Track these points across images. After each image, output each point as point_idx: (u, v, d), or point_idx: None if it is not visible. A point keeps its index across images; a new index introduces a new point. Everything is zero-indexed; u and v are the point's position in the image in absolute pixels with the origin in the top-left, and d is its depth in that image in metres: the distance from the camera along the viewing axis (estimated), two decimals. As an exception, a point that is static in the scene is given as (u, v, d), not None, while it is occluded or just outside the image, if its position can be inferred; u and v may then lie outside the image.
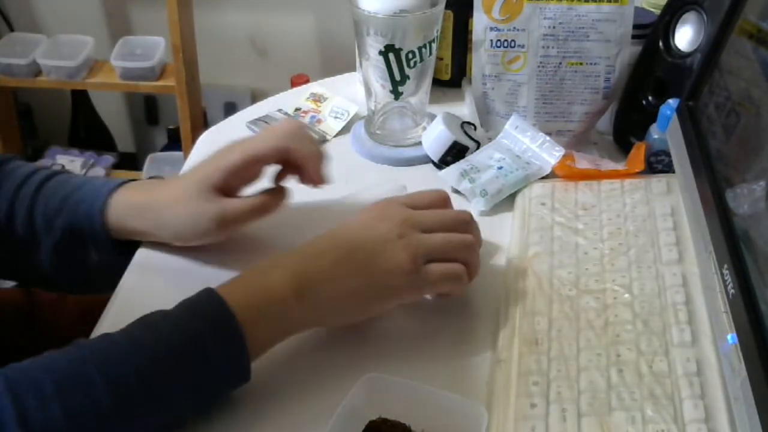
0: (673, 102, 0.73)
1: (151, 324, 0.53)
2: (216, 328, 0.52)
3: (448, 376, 0.59)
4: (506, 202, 0.75)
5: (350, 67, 0.98)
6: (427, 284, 0.59)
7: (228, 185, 0.65)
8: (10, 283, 0.88)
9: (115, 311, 0.66)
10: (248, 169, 0.65)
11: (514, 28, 0.79)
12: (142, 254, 0.71)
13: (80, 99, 2.00)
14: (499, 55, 0.81)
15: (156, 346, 0.51)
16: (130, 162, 2.09)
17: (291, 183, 0.69)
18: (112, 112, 2.10)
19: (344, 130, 0.88)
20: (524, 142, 0.79)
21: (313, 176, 0.66)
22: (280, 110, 0.92)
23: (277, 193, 0.67)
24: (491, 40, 0.80)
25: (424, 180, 0.80)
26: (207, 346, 0.52)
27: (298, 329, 0.58)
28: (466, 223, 0.63)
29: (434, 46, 0.79)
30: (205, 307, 0.53)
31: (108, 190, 0.66)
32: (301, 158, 0.65)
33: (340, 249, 0.58)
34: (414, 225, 0.59)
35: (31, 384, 0.47)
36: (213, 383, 0.53)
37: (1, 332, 0.79)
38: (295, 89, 1.00)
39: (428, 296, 0.64)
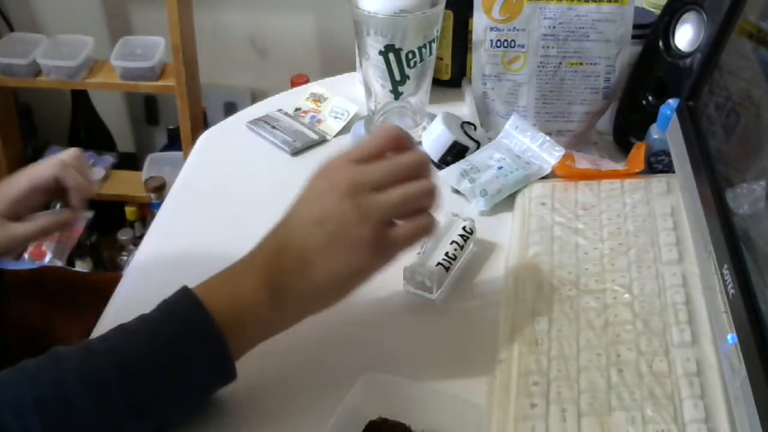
0: (673, 102, 0.73)
1: (128, 330, 0.52)
2: (193, 330, 0.52)
3: (448, 376, 0.59)
4: (506, 202, 0.75)
5: (350, 67, 0.98)
6: (396, 249, 0.56)
7: (15, 212, 0.70)
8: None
9: (114, 310, 0.66)
10: (30, 198, 0.70)
11: (514, 28, 0.79)
12: (140, 256, 0.71)
13: (80, 99, 2.00)
14: (499, 55, 0.81)
15: (135, 353, 0.50)
16: (130, 162, 2.08)
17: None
18: (112, 112, 2.10)
19: (344, 130, 0.88)
20: (524, 142, 0.79)
21: (74, 204, 0.71)
22: (280, 110, 0.92)
23: (63, 216, 0.72)
24: (491, 40, 0.80)
25: (424, 180, 0.80)
26: (185, 348, 0.51)
27: (280, 329, 0.56)
28: (420, 166, 0.57)
29: (434, 46, 0.79)
30: (182, 308, 0.52)
31: None
32: (67, 188, 0.71)
33: (300, 241, 0.55)
34: (365, 187, 0.54)
35: (8, 397, 0.47)
36: (196, 385, 0.52)
37: None
38: (295, 89, 1.00)
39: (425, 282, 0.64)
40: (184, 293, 0.53)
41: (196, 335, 0.51)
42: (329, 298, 0.57)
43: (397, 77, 0.79)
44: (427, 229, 0.57)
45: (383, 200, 0.55)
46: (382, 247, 0.55)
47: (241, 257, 0.56)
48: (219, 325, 0.51)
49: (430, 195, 0.57)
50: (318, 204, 0.55)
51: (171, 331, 0.51)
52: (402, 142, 0.58)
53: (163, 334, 0.51)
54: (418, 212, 0.57)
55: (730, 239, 0.55)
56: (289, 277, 0.55)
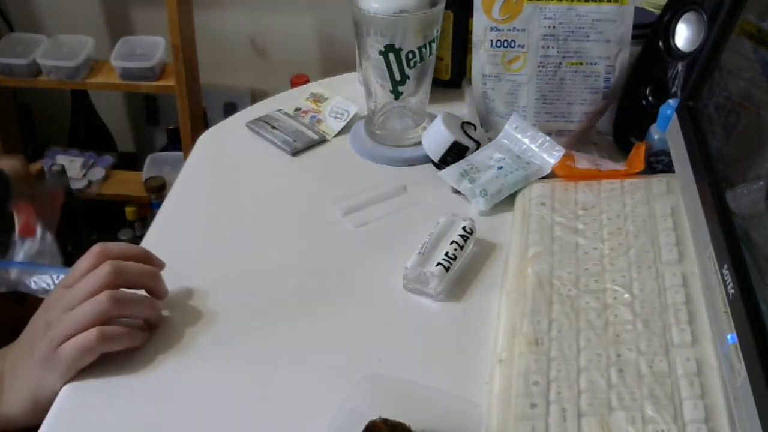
0: (673, 102, 0.73)
1: None
2: None
3: (448, 376, 0.59)
4: (506, 202, 0.75)
5: (350, 67, 0.98)
6: (65, 362, 0.58)
7: None
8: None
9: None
10: None
11: (514, 28, 0.79)
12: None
13: (80, 99, 2.00)
14: (499, 55, 0.81)
15: None
16: (130, 162, 2.08)
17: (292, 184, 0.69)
18: (112, 112, 2.10)
19: (344, 130, 0.88)
20: (524, 142, 0.79)
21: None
22: (280, 110, 0.92)
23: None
24: (491, 40, 0.80)
25: (424, 180, 0.80)
26: None
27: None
28: (107, 278, 0.59)
29: (434, 46, 0.79)
30: None
31: None
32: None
33: (18, 348, 0.61)
34: (61, 308, 0.59)
35: None
36: None
37: None
38: (295, 89, 1.00)
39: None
40: None
41: None
42: (33, 402, 0.59)
43: (397, 77, 0.79)
44: (88, 347, 0.58)
45: (62, 319, 0.58)
46: (55, 363, 0.58)
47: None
48: None
49: (99, 314, 0.58)
50: (32, 324, 0.62)
51: None
52: (112, 256, 0.61)
53: None
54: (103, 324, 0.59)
55: (730, 239, 0.55)
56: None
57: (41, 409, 0.58)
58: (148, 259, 0.65)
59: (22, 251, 0.95)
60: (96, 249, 0.62)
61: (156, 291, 0.63)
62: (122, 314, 0.60)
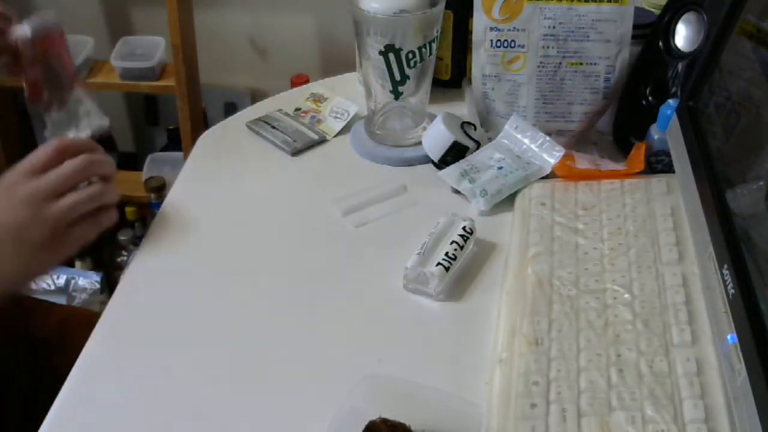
0: (673, 102, 0.73)
1: None
2: None
3: (448, 376, 0.59)
4: (506, 202, 0.75)
5: (350, 67, 0.99)
6: (75, 245, 0.62)
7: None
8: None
9: (115, 310, 0.66)
10: None
11: (514, 28, 0.79)
12: (140, 256, 0.71)
13: (80, 99, 2.00)
14: (499, 55, 0.81)
15: None
16: (130, 162, 2.08)
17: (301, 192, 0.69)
18: (112, 112, 2.10)
19: (344, 130, 0.88)
20: (524, 142, 0.79)
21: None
22: (280, 110, 0.92)
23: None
24: (491, 40, 0.80)
25: (424, 180, 0.80)
26: None
27: None
28: (90, 167, 0.63)
29: (434, 46, 0.79)
30: None
31: None
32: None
33: None
34: (39, 197, 0.61)
35: None
36: None
37: None
38: (295, 89, 1.00)
39: None
40: None
41: None
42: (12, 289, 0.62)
43: (397, 77, 0.79)
44: (97, 223, 0.63)
45: (56, 207, 0.61)
46: (64, 246, 0.62)
47: None
48: None
49: (99, 196, 0.63)
50: (8, 214, 0.61)
51: None
52: (73, 149, 0.64)
53: None
54: (97, 211, 0.63)
55: (730, 239, 0.54)
56: None
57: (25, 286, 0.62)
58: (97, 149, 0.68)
59: (50, 121, 0.89)
60: (56, 143, 0.64)
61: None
62: (93, 172, 0.64)
